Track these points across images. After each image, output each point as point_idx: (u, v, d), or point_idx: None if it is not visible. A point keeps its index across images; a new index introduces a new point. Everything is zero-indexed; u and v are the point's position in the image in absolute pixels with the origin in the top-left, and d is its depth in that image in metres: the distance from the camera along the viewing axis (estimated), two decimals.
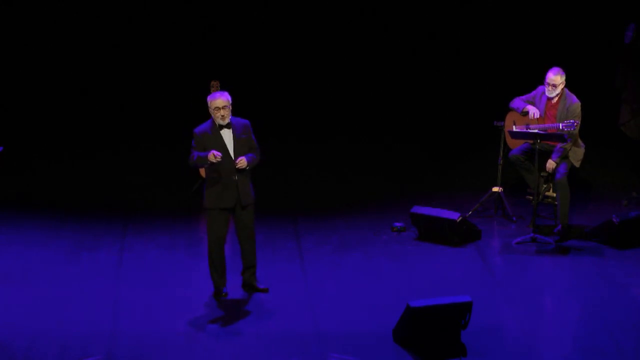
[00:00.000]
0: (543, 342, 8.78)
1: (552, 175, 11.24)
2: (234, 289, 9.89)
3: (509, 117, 11.50)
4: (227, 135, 9.64)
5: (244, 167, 9.57)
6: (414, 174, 13.48)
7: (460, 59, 15.39)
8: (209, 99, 9.71)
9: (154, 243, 11.01)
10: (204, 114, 12.40)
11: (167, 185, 12.89)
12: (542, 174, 11.25)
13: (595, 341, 8.79)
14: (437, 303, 8.57)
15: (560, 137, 10.83)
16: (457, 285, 9.89)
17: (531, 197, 11.21)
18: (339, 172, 13.61)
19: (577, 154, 11.14)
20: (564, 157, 11.07)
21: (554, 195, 11.38)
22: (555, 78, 11.02)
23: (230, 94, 12.27)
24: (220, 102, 9.59)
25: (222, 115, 9.58)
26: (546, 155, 11.15)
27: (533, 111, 11.16)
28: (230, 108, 9.63)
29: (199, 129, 9.68)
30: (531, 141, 11.04)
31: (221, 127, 9.63)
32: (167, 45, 15.38)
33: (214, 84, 12.26)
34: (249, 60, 15.35)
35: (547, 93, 11.10)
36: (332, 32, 15.45)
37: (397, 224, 11.40)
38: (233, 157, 9.60)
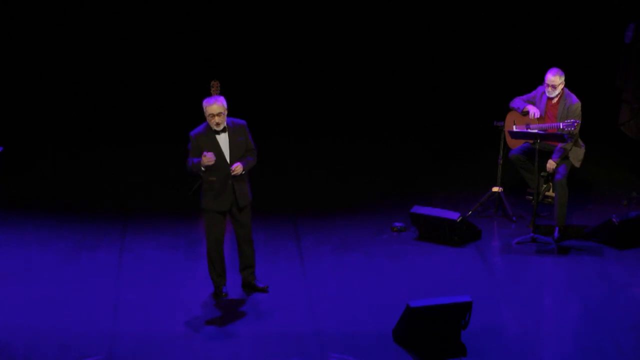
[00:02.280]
0: (543, 342, 8.79)
1: (552, 175, 11.25)
2: (233, 289, 9.89)
3: (509, 117, 11.50)
4: (223, 139, 9.61)
5: (239, 173, 9.56)
6: (414, 174, 13.48)
7: (460, 59, 15.39)
8: (204, 104, 9.63)
9: (154, 243, 11.01)
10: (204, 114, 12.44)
11: (167, 185, 12.89)
12: (542, 174, 11.26)
13: (595, 341, 8.79)
14: (437, 303, 8.57)
15: (560, 137, 10.84)
16: (457, 285, 9.89)
17: (531, 197, 11.21)
18: (338, 171, 13.60)
19: (577, 154, 11.14)
20: (565, 157, 11.08)
21: (554, 194, 11.37)
22: (554, 79, 11.02)
23: (231, 94, 12.29)
24: (215, 108, 9.53)
25: (217, 123, 9.55)
26: (546, 155, 11.15)
27: (533, 111, 11.16)
28: (226, 113, 9.57)
29: (194, 132, 9.64)
30: (531, 141, 11.04)
31: (217, 131, 9.61)
32: (168, 45, 15.37)
33: (214, 84, 12.26)
34: (249, 60, 15.36)
35: (547, 94, 11.10)
36: (332, 31, 15.44)
37: (397, 224, 11.40)
38: (229, 161, 9.58)
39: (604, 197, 12.51)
